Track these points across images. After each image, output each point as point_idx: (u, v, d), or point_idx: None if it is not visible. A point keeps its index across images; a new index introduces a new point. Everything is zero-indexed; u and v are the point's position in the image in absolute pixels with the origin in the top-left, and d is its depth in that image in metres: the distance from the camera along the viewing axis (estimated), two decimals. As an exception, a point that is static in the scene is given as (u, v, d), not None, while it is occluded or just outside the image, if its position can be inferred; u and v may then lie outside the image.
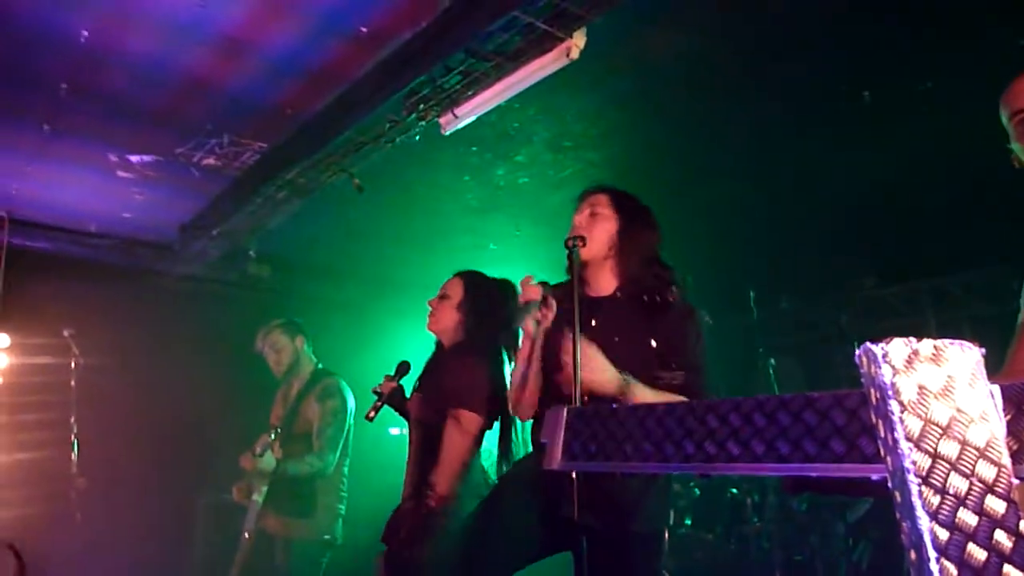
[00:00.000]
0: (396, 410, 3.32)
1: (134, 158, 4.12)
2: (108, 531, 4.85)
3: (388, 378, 3.29)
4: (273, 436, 4.14)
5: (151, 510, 5.12)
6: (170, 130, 3.82)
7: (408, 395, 3.27)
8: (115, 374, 5.36)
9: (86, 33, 2.92)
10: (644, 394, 2.14)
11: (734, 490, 4.96)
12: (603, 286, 2.47)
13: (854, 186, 4.43)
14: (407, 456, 3.12)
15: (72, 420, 4.91)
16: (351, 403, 4.35)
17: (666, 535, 4.60)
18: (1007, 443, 0.72)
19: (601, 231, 2.44)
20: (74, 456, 4.86)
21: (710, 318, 5.10)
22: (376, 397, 3.23)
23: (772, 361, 4.93)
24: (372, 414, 3.17)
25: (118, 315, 5.50)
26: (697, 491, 5.00)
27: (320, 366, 4.56)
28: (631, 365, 2.22)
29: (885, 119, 3.74)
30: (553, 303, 2.34)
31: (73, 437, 4.88)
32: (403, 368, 3.33)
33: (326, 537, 4.22)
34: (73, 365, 5.02)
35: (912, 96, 3.51)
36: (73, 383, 5.01)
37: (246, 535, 4.18)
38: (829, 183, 4.48)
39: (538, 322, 2.36)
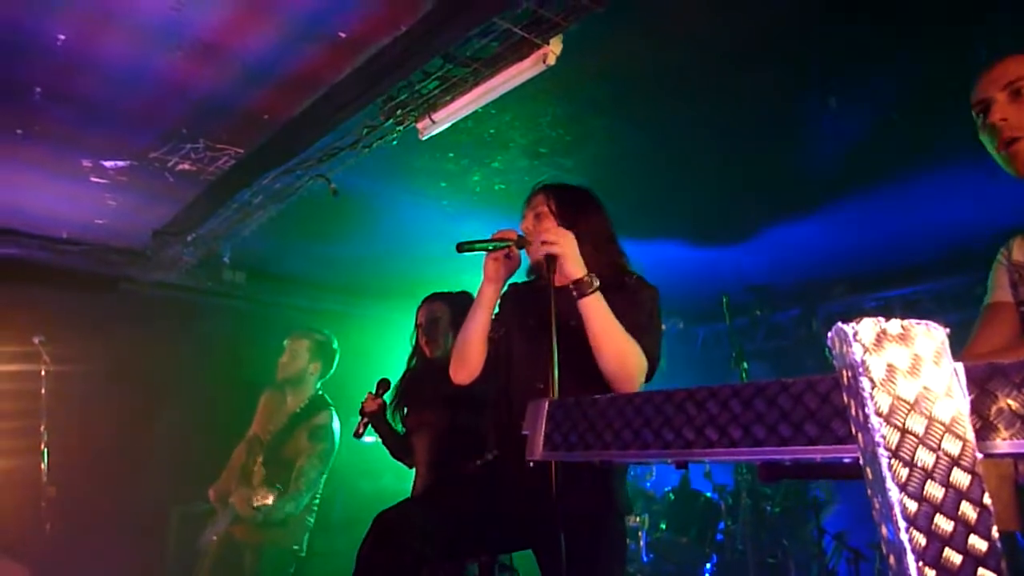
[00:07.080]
0: (376, 427, 3.47)
1: (108, 163, 4.07)
2: (80, 540, 4.78)
3: (372, 396, 3.46)
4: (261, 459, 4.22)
5: (124, 519, 5.05)
6: (145, 135, 3.78)
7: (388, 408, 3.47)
8: (86, 382, 5.29)
9: (62, 37, 2.90)
10: (597, 305, 2.17)
11: (708, 493, 5.01)
12: (560, 278, 2.49)
13: (824, 192, 4.51)
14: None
15: (42, 428, 4.84)
16: (338, 439, 4.40)
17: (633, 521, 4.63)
18: (971, 420, 0.76)
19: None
20: (44, 465, 4.79)
21: (683, 323, 5.17)
22: (361, 416, 3.42)
23: (745, 365, 5.00)
24: (361, 431, 3.40)
25: (89, 322, 5.44)
26: (672, 496, 5.05)
27: (320, 392, 4.57)
28: (586, 347, 2.23)
29: (852, 125, 3.82)
30: (518, 255, 2.39)
31: (43, 446, 4.81)
32: (384, 385, 3.49)
33: (295, 548, 4.24)
34: (43, 373, 4.95)
35: (880, 103, 3.60)
36: (43, 391, 4.93)
37: (214, 537, 4.17)
38: (801, 189, 4.57)
39: (494, 260, 2.37)
